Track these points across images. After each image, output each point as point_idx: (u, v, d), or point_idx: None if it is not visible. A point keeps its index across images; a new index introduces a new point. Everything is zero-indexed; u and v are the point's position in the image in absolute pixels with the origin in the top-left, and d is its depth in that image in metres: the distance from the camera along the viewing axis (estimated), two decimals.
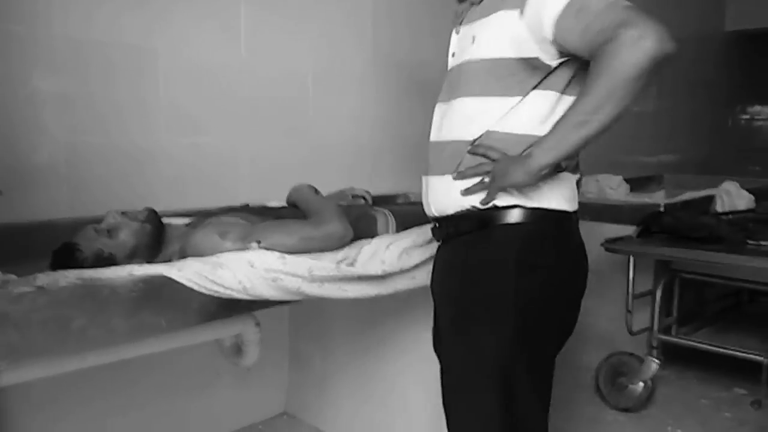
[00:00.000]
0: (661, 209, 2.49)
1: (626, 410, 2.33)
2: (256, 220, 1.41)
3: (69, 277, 1.14)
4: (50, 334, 0.99)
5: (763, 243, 2.08)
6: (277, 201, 1.74)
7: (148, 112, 1.84)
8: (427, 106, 2.57)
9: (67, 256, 1.25)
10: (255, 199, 2.06)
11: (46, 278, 1.14)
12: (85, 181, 1.73)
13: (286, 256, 1.26)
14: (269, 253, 1.25)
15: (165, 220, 1.50)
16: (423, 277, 1.52)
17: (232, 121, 2.02)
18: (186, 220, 1.58)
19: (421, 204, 1.93)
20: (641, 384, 2.30)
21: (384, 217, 1.63)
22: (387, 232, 1.61)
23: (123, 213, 1.33)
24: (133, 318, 1.08)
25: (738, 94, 5.71)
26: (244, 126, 2.06)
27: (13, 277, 1.26)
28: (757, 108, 5.91)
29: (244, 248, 1.27)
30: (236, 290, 1.19)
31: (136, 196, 1.82)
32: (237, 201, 2.04)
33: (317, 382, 2.15)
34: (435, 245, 1.55)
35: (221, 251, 1.25)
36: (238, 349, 1.62)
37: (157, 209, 1.81)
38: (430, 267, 1.52)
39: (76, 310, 1.01)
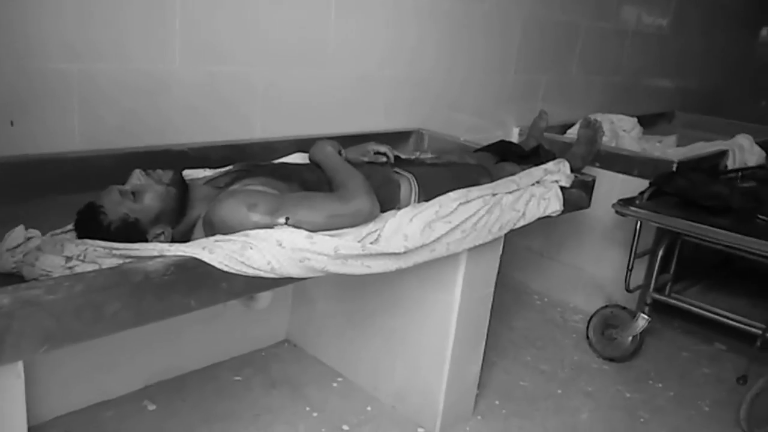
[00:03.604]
0: (674, 168, 2.48)
1: (612, 360, 2.44)
2: (283, 188, 1.38)
3: (99, 251, 1.13)
4: (85, 319, 0.99)
5: None
6: (300, 156, 1.69)
7: (162, 38, 1.73)
8: (448, 36, 2.48)
9: (92, 219, 1.23)
10: (269, 132, 2.02)
11: (75, 249, 1.14)
12: (97, 111, 1.66)
13: (314, 235, 1.25)
14: (297, 232, 1.24)
15: (186, 174, 1.47)
16: (442, 249, 1.53)
17: (249, 49, 1.92)
18: (207, 173, 1.55)
19: (445, 165, 1.90)
20: (630, 337, 2.40)
21: (407, 183, 1.61)
22: (410, 198, 1.60)
23: (147, 174, 1.29)
24: (165, 300, 1.09)
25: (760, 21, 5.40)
26: (261, 54, 1.96)
27: (36, 232, 1.26)
28: None
29: (272, 223, 1.25)
30: (265, 271, 1.19)
31: (149, 126, 1.77)
32: (251, 134, 2.00)
33: (318, 315, 2.22)
34: (457, 216, 1.55)
35: (249, 225, 1.23)
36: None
37: (170, 141, 1.79)
38: (448, 239, 1.54)
39: (110, 295, 1.01)
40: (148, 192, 1.28)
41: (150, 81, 1.73)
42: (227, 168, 1.52)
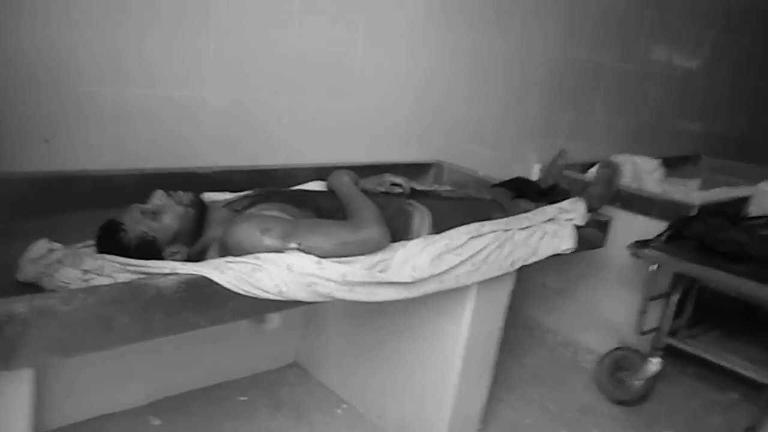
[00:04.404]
0: (695, 211, 2.47)
1: (621, 403, 2.41)
2: (297, 214, 1.42)
3: (115, 266, 1.18)
4: (96, 330, 1.03)
5: None
6: (318, 184, 1.73)
7: (195, 66, 1.80)
8: (472, 71, 2.52)
9: (112, 235, 1.28)
10: (293, 158, 2.07)
11: (93, 263, 1.18)
12: (126, 132, 1.73)
13: (323, 261, 1.28)
14: (307, 257, 1.27)
15: (206, 196, 1.52)
16: (451, 281, 1.54)
17: (276, 77, 1.98)
18: (227, 196, 1.60)
19: (459, 199, 1.93)
20: (640, 381, 2.36)
21: (420, 215, 1.63)
22: (422, 229, 1.62)
23: (169, 195, 1.34)
24: (174, 317, 1.12)
25: None
26: (287, 83, 2.02)
27: (59, 245, 1.31)
28: None
29: (284, 248, 1.29)
30: (272, 293, 1.22)
31: (176, 149, 1.83)
32: (276, 160, 2.05)
33: (327, 341, 2.23)
34: (467, 250, 1.57)
35: (261, 248, 1.27)
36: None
37: (196, 164, 1.85)
38: (458, 271, 1.55)
39: (122, 309, 1.05)
40: (168, 212, 1.33)
41: (178, 106, 1.80)
42: (246, 192, 1.56)
